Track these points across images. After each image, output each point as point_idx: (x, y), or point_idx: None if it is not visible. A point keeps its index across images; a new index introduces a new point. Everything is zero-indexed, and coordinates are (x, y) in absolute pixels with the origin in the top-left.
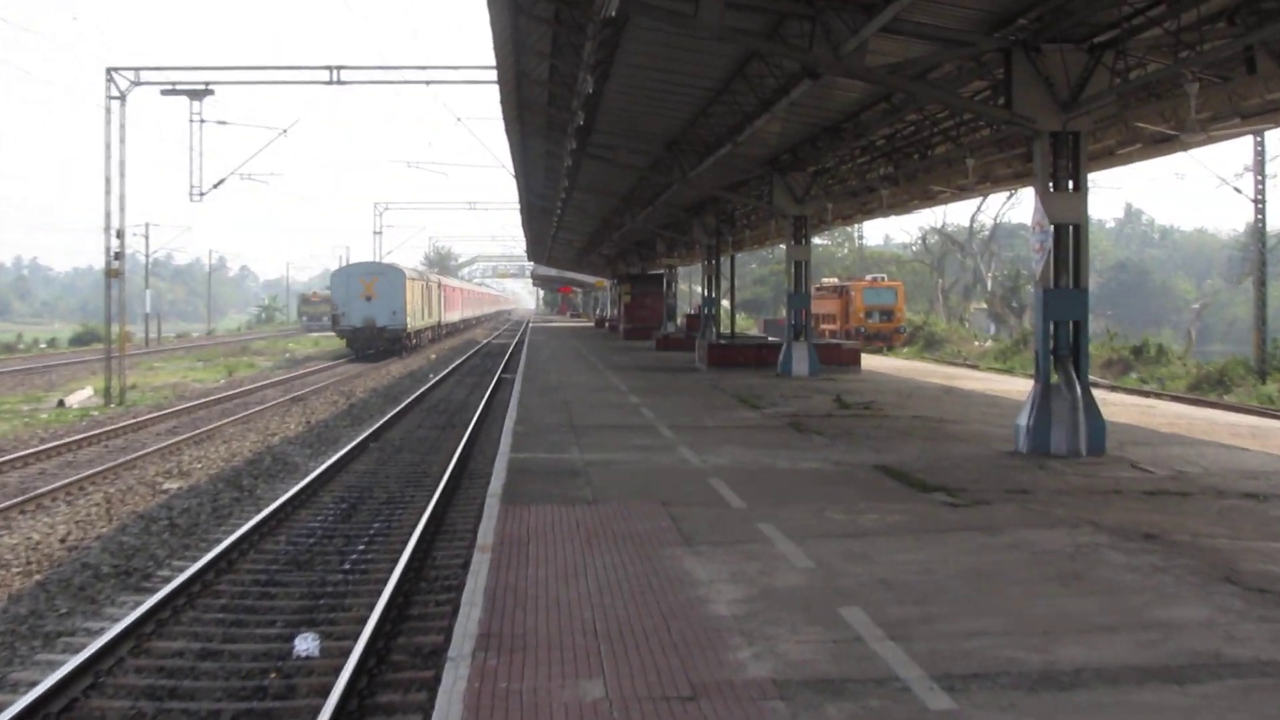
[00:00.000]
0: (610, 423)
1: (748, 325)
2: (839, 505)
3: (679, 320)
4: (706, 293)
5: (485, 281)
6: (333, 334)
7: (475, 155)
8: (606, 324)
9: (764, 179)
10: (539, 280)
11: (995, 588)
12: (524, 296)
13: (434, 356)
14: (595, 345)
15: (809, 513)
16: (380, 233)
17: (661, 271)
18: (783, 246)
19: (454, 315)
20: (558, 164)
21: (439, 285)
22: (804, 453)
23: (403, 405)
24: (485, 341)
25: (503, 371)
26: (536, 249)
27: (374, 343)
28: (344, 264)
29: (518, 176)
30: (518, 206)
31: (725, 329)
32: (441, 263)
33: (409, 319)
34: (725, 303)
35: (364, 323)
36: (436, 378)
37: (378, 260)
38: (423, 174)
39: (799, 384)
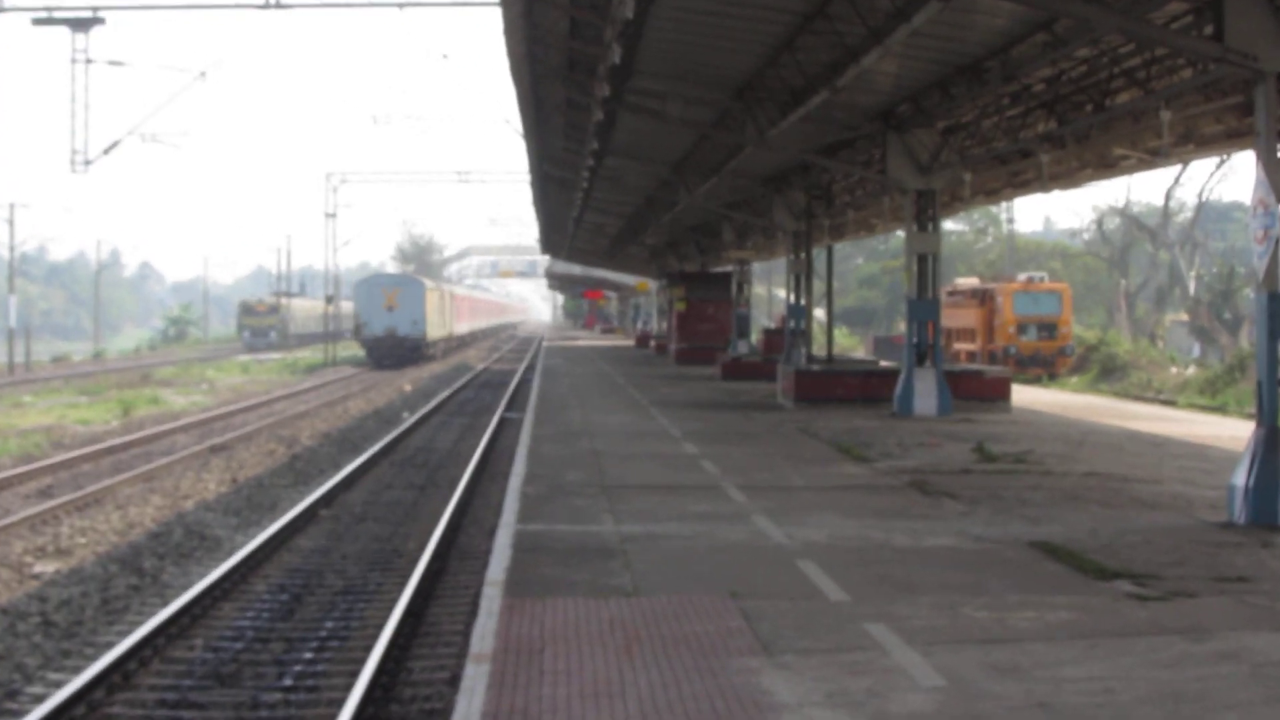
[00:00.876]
0: (658, 481)
1: (851, 345)
2: (980, 598)
3: (753, 338)
4: (792, 299)
5: (481, 284)
6: (275, 357)
7: (468, 107)
8: (652, 343)
9: (874, 139)
10: (556, 281)
11: (1202, 717)
12: (535, 303)
13: (408, 389)
14: (636, 372)
15: (937, 608)
16: (334, 214)
17: (729, 269)
18: (900, 234)
19: (464, 326)
20: (583, 119)
21: (450, 295)
22: (931, 524)
23: (365, 456)
24: (479, 368)
25: (507, 409)
26: (553, 238)
27: (395, 351)
28: (284, 258)
29: (528, 136)
30: (527, 179)
31: (819, 350)
32: (420, 257)
33: (429, 328)
34: (819, 313)
35: (386, 332)
36: (413, 418)
37: (398, 273)
38: (394, 133)
39: (924, 426)
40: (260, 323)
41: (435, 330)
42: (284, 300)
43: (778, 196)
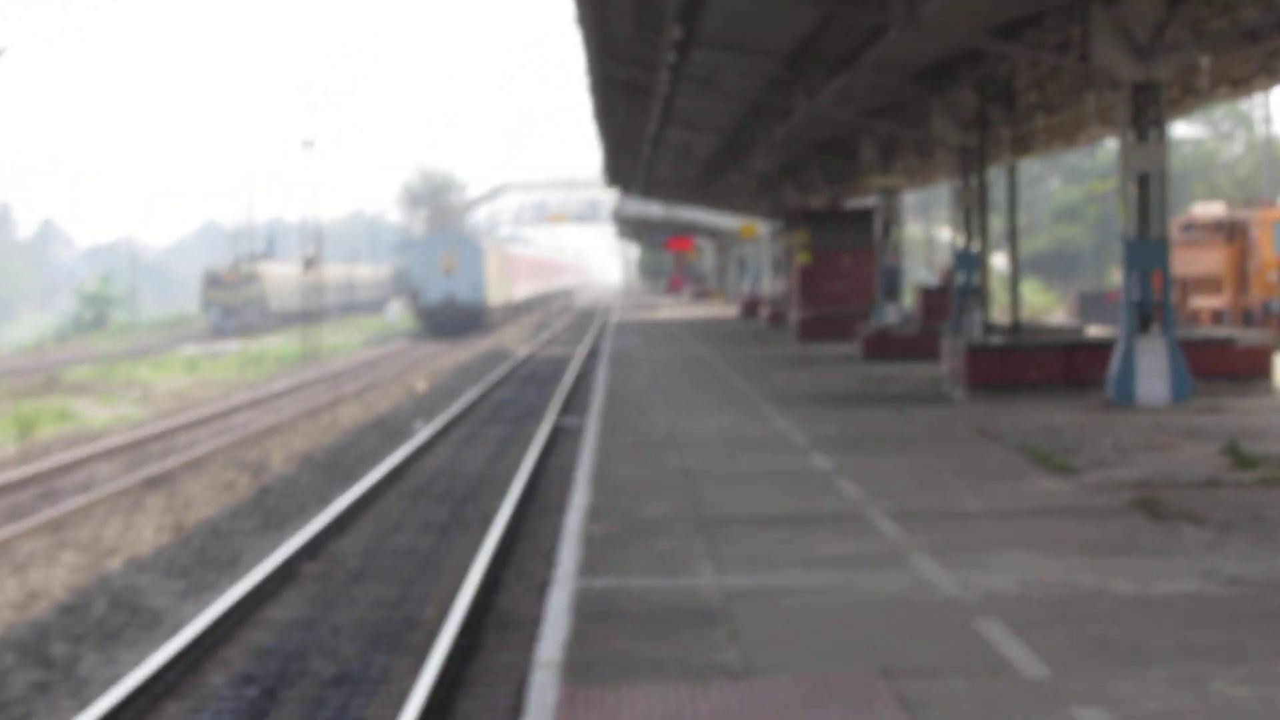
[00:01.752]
0: (776, 511)
1: (1046, 305)
2: (1238, 667)
3: (907, 300)
4: (961, 243)
5: (520, 235)
6: (232, 353)
7: None
8: (764, 311)
9: (1071, 12)
10: (628, 227)
11: None
12: (598, 259)
13: (422, 387)
14: (742, 354)
15: (1177, 684)
16: (313, 143)
17: (870, 204)
18: (1111, 145)
19: (521, 291)
20: None
21: (508, 256)
22: (1164, 561)
23: (364, 485)
24: (521, 354)
25: (563, 412)
26: (622, 166)
27: (455, 319)
28: (245, 209)
29: (583, 20)
30: (583, 85)
31: (1000, 314)
32: (435, 200)
33: (489, 293)
34: (999, 261)
35: (445, 298)
36: (429, 429)
37: (453, 233)
38: (391, 23)
39: (1151, 420)
40: (233, 297)
41: (496, 296)
42: (262, 267)
43: (937, 98)
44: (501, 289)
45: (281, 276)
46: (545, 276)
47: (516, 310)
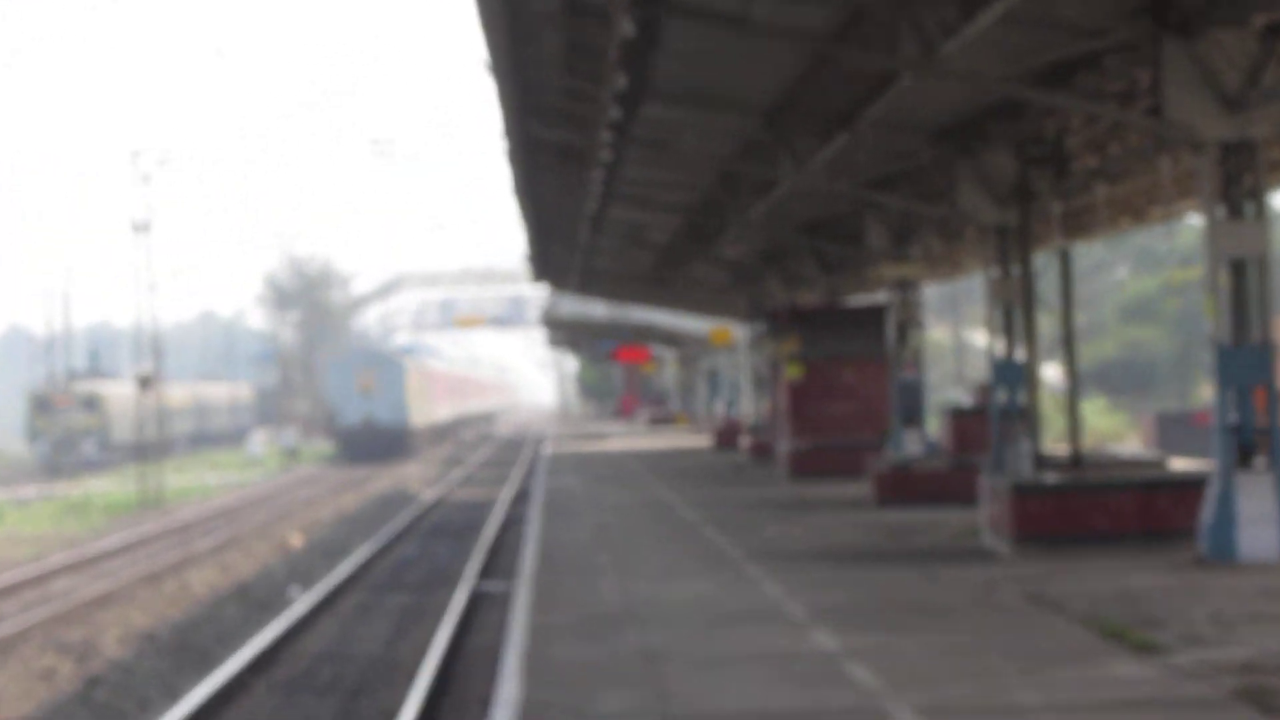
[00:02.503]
0: (767, 707)
1: (1113, 430)
2: None
3: (930, 425)
4: (1000, 349)
5: (421, 344)
6: (52, 499)
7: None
8: (744, 441)
9: (1136, 51)
10: (562, 332)
11: None
12: (526, 376)
13: (297, 543)
14: (717, 496)
15: None
16: (147, 226)
17: (881, 301)
18: (1192, 222)
19: (444, 411)
20: (599, 35)
21: (428, 374)
22: None
23: (224, 678)
24: (428, 498)
25: (484, 575)
26: (553, 256)
27: (375, 443)
28: (60, 310)
29: (497, 69)
30: (501, 148)
31: (1054, 441)
32: (309, 296)
33: (411, 414)
34: (1050, 372)
35: (364, 420)
36: (308, 599)
37: (371, 350)
38: (250, 75)
39: (1257, 580)
40: (67, 425)
41: (419, 417)
42: (103, 388)
43: (965, 163)
44: (424, 410)
45: (127, 399)
46: (469, 396)
47: (439, 433)
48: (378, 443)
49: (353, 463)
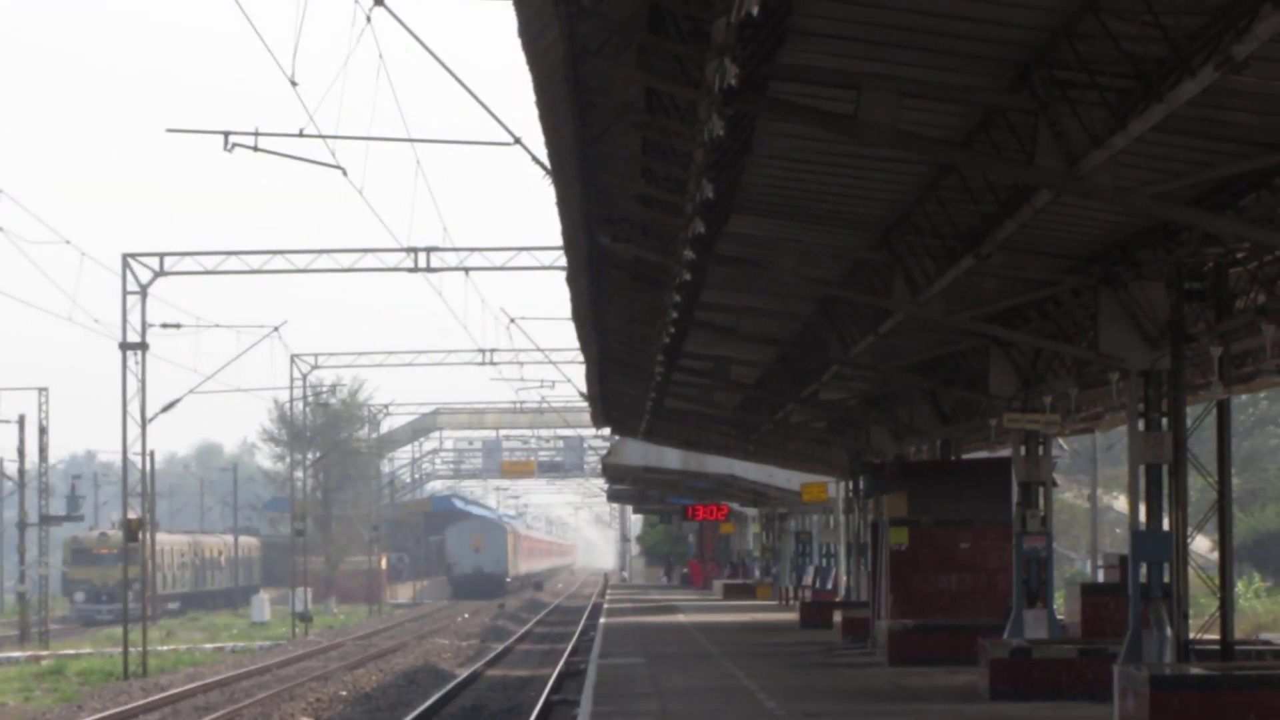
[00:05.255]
0: None
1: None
2: None
3: (1058, 605)
4: (1143, 518)
5: (463, 494)
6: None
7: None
8: (836, 616)
9: None
10: (624, 486)
11: None
12: (584, 535)
13: None
14: (801, 684)
15: None
16: (144, 343)
17: (1003, 456)
18: None
19: (525, 567)
20: (684, 132)
21: (519, 536)
22: None
23: None
24: (458, 682)
25: None
26: (616, 392)
27: (483, 586)
28: (32, 439)
29: (557, 154)
30: (565, 262)
31: (1203, 627)
32: (329, 434)
33: (510, 567)
34: (1200, 544)
35: (474, 570)
36: None
37: (485, 517)
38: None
39: None
40: (102, 576)
41: (513, 569)
42: (152, 534)
43: (1110, 294)
44: (515, 564)
45: (171, 550)
46: (543, 556)
47: (522, 581)
48: (485, 586)
49: (463, 599)
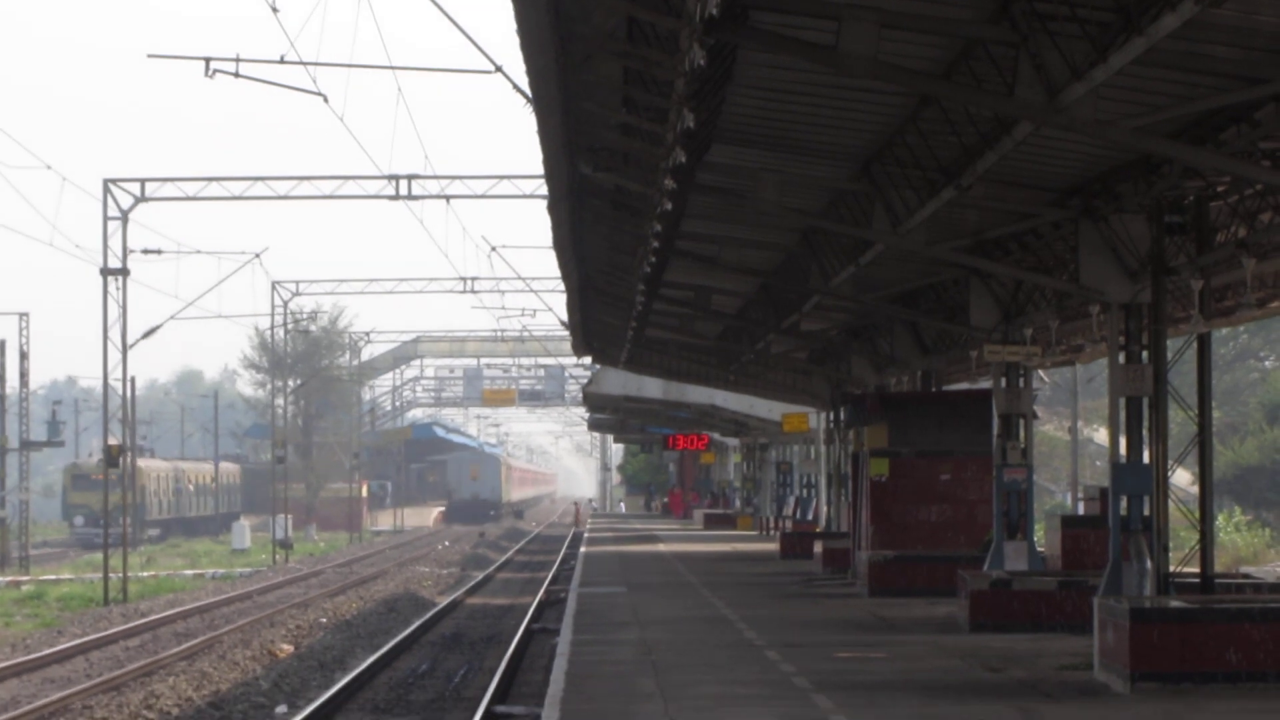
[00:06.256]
0: None
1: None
2: None
3: (1039, 537)
4: (1123, 449)
5: (444, 421)
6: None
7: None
8: (816, 546)
9: None
10: (606, 416)
11: None
12: (564, 464)
13: (287, 651)
14: (781, 614)
15: None
16: (125, 269)
17: (984, 388)
18: None
19: (515, 494)
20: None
21: (509, 466)
22: None
23: None
24: (425, 618)
25: None
26: (598, 321)
27: (478, 511)
28: (16, 362)
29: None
30: (534, 192)
31: (1183, 558)
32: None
33: (502, 494)
34: (1180, 478)
35: (471, 497)
36: None
37: (481, 450)
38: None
39: None
40: (97, 499)
41: (504, 496)
42: (133, 459)
43: (1090, 227)
44: (508, 491)
45: (162, 476)
46: (530, 485)
47: (512, 507)
48: (480, 510)
49: (463, 524)
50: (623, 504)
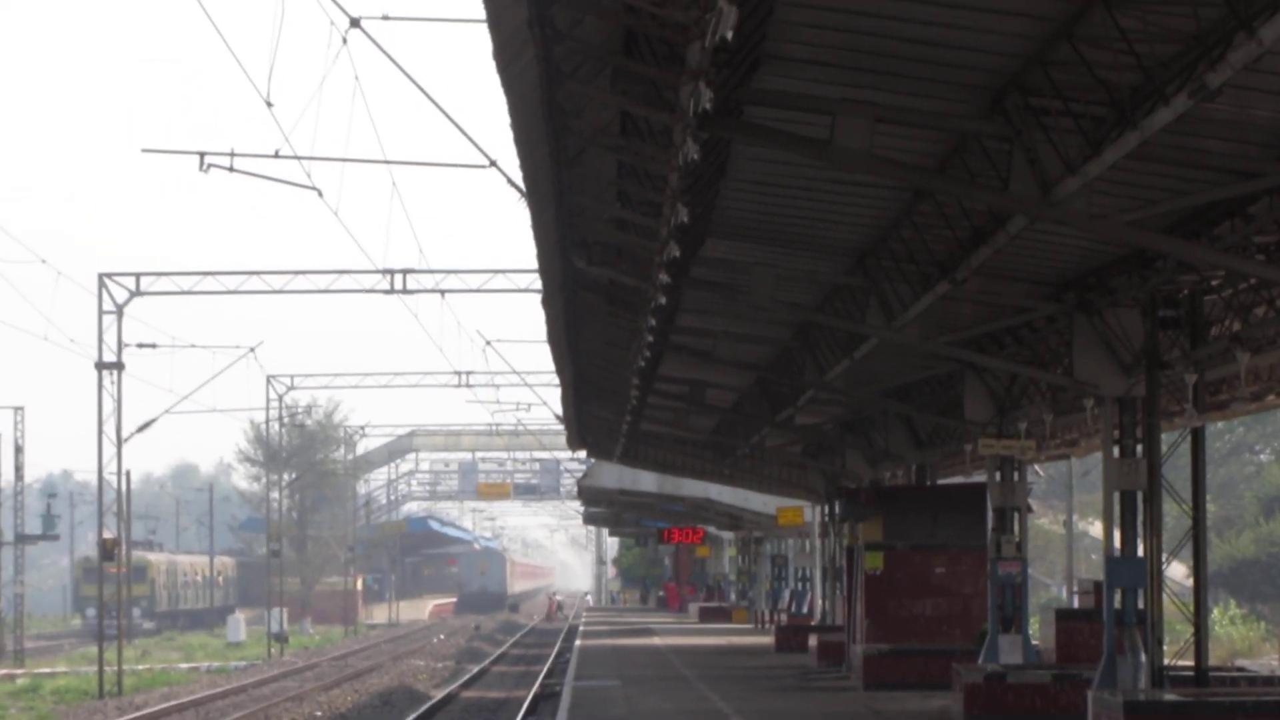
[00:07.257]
0: None
1: (1249, 641)
2: None
3: (1033, 630)
4: (1118, 543)
5: (440, 516)
6: None
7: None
8: (812, 640)
9: None
10: (600, 510)
11: None
12: (560, 557)
13: None
14: (776, 709)
15: None
16: (119, 363)
17: (978, 482)
18: None
19: (517, 587)
20: (659, 156)
21: (513, 563)
22: None
23: None
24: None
25: None
26: (592, 415)
27: (487, 602)
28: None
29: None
30: (541, 286)
31: (1177, 654)
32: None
33: (508, 587)
34: (1175, 571)
35: (479, 590)
36: None
37: (489, 549)
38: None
39: None
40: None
41: (510, 589)
42: (149, 556)
43: (1084, 321)
44: (512, 585)
45: (171, 568)
46: (530, 578)
47: (516, 598)
48: (488, 602)
49: (472, 613)
50: (590, 596)
